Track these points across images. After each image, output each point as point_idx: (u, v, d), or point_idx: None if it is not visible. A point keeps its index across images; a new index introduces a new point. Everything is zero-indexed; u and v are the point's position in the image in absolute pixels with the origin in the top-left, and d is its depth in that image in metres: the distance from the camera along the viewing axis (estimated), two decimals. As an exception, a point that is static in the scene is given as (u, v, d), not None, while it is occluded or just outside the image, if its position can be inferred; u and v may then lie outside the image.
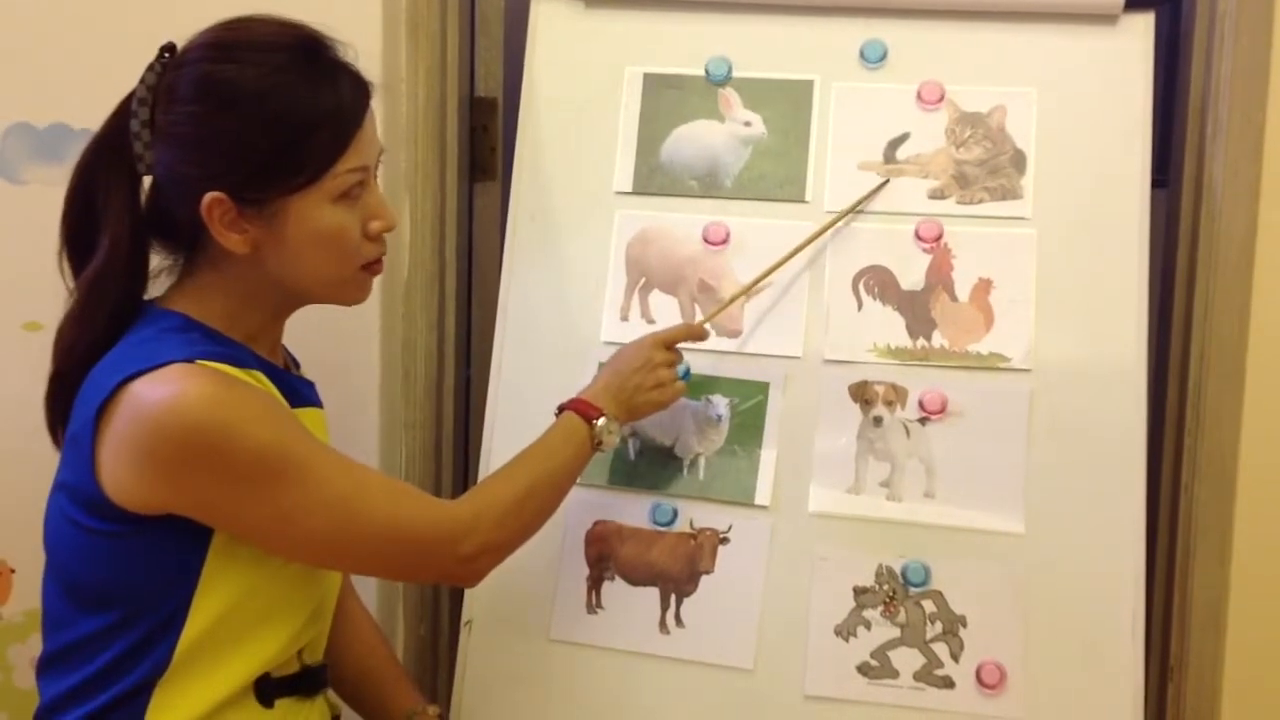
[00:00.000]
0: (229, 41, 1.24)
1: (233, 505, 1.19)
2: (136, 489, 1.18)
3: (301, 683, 1.33)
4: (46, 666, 1.27)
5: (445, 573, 1.39)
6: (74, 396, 1.23)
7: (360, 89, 1.27)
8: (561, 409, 1.43)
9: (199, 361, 1.18)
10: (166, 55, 1.25)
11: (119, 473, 1.18)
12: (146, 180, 1.27)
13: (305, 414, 1.30)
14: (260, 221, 1.23)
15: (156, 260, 1.29)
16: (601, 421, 1.40)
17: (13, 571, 1.73)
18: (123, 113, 1.25)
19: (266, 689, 1.29)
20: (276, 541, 1.22)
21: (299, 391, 1.33)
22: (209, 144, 1.22)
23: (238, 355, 1.23)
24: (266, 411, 1.20)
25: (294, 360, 1.45)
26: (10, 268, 1.67)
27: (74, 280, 1.27)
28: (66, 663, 1.25)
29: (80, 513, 1.21)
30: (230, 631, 1.23)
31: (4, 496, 1.63)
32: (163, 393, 1.15)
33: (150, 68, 1.25)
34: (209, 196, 1.20)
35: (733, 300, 1.55)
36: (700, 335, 1.53)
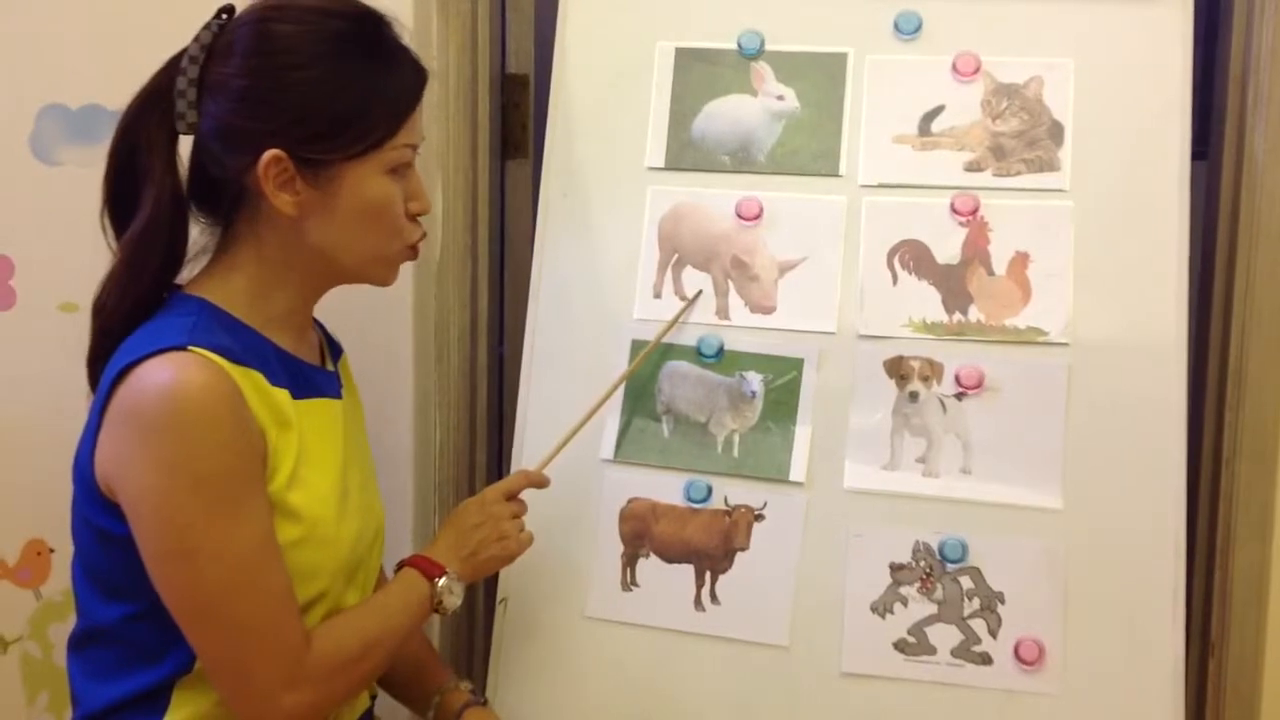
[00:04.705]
0: (293, 4, 1.25)
1: (136, 491, 1.17)
2: (100, 460, 1.19)
3: None
4: (73, 648, 1.29)
5: (256, 712, 1.21)
6: (112, 351, 1.23)
7: (419, 71, 1.29)
8: (402, 565, 1.36)
9: (192, 348, 1.17)
10: (224, 15, 1.26)
11: (101, 453, 1.19)
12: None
13: (313, 405, 1.30)
14: (315, 184, 1.23)
15: (194, 233, 1.30)
16: (443, 581, 1.34)
17: (52, 551, 1.74)
18: (171, 69, 1.26)
19: None
20: (141, 543, 1.18)
21: (312, 382, 1.32)
22: (272, 99, 1.22)
23: (241, 348, 1.22)
24: (228, 443, 1.16)
25: (331, 342, 1.45)
26: (45, 249, 1.67)
27: (116, 239, 1.27)
28: (90, 648, 1.26)
29: (84, 499, 1.23)
30: None
31: (41, 476, 1.65)
32: (154, 377, 1.16)
33: (207, 25, 1.25)
34: (269, 153, 1.21)
35: (571, 435, 1.49)
36: (541, 483, 1.46)
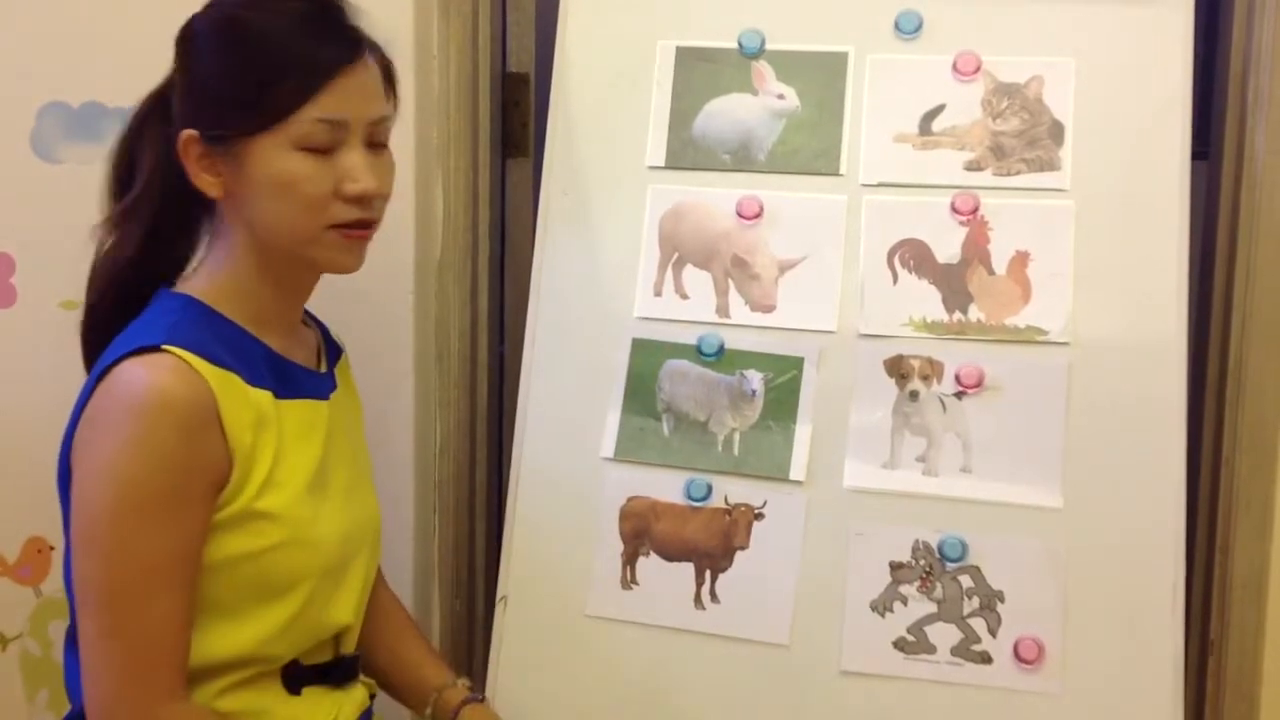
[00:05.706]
0: None
1: (77, 479, 1.19)
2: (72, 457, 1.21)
3: (332, 671, 1.34)
4: (69, 645, 1.29)
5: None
6: (106, 332, 1.26)
7: (350, 45, 1.24)
8: None
9: (167, 348, 1.18)
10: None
11: (73, 449, 1.21)
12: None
13: (296, 405, 1.29)
14: (227, 163, 1.24)
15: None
16: None
17: (52, 548, 1.74)
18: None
19: (295, 676, 1.30)
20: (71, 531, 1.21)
21: (299, 383, 1.31)
22: (185, 84, 1.26)
23: (225, 348, 1.22)
24: (174, 454, 1.16)
25: (330, 344, 1.45)
26: (46, 246, 1.67)
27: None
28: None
29: (67, 498, 1.23)
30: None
31: (42, 473, 1.64)
32: (125, 378, 1.17)
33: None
34: (182, 134, 1.24)
35: None
36: None
